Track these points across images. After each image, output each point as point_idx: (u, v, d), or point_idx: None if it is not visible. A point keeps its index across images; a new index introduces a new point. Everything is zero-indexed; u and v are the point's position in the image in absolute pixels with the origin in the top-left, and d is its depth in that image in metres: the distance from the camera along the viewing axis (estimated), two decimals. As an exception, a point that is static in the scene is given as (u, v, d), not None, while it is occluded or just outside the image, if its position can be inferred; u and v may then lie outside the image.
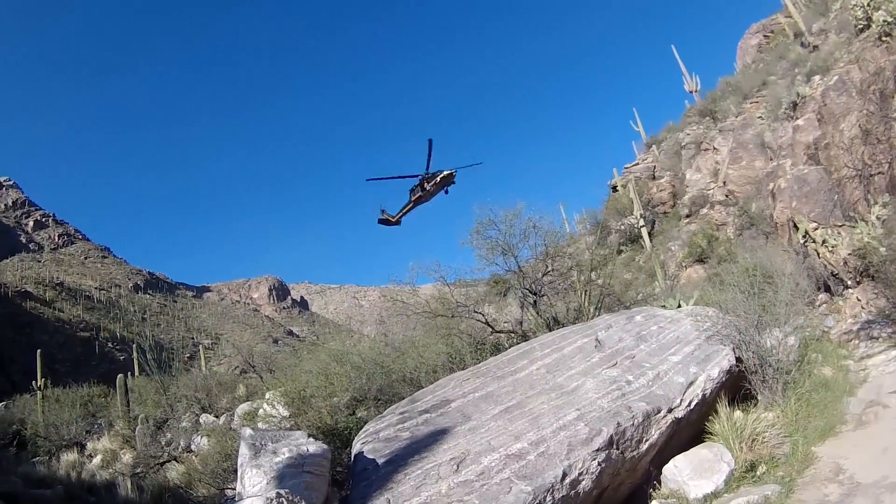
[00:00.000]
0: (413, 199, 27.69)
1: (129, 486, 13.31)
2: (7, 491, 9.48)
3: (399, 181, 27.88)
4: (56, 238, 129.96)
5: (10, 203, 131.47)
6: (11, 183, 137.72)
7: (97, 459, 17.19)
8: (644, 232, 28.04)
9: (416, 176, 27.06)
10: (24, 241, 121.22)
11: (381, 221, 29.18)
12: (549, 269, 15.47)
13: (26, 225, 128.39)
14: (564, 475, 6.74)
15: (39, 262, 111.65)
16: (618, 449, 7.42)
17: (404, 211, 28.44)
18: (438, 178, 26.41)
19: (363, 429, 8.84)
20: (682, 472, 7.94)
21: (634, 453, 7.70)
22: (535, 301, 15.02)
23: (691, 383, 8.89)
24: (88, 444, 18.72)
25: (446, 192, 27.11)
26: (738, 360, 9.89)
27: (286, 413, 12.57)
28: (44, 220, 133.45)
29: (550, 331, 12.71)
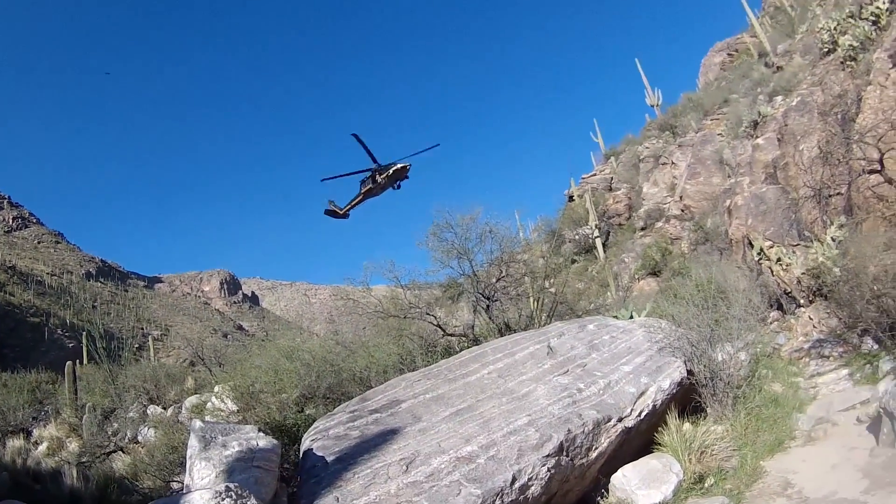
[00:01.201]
0: (363, 191, 26.78)
1: (75, 474, 13.03)
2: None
3: (356, 178, 27.12)
4: (10, 221, 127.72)
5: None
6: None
7: (43, 447, 16.90)
8: (598, 242, 28.52)
9: (370, 170, 26.13)
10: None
11: (329, 213, 28.28)
12: (503, 274, 15.56)
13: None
14: (514, 479, 6.74)
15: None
16: (567, 456, 7.45)
17: (353, 203, 27.54)
18: (391, 171, 25.49)
19: (313, 426, 8.79)
20: (630, 481, 7.99)
21: (584, 461, 7.74)
22: (487, 306, 15.11)
23: (642, 393, 8.95)
24: (35, 430, 18.47)
25: (397, 186, 26.29)
26: (690, 372, 9.97)
27: (234, 407, 12.45)
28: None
29: (502, 336, 12.84)
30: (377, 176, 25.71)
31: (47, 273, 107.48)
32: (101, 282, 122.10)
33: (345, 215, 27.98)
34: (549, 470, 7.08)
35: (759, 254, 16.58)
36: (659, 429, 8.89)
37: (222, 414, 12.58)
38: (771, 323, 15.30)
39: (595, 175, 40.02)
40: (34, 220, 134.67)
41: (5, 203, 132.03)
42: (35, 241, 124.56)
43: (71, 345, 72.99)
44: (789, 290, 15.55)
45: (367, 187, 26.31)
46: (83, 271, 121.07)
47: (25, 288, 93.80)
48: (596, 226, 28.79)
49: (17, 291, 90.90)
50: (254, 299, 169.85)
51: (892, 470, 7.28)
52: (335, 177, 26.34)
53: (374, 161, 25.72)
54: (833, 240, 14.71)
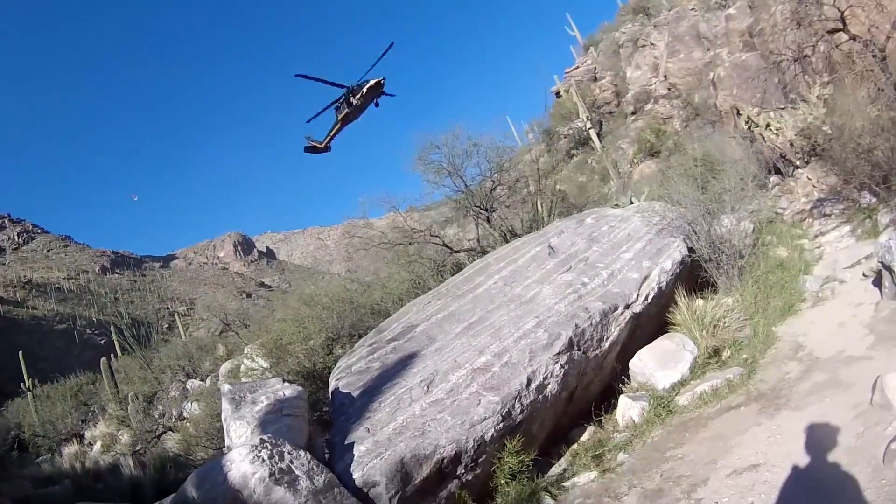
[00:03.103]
0: (340, 117, 24.65)
1: (132, 464, 13.49)
2: (18, 495, 9.64)
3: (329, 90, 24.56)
4: (16, 237, 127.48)
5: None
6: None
7: (97, 446, 17.43)
8: (592, 133, 28.10)
9: (345, 87, 23.99)
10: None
11: (309, 149, 26.47)
12: (497, 183, 15.81)
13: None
14: (529, 381, 7.03)
15: (3, 264, 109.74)
16: (579, 350, 7.72)
17: (332, 134, 25.59)
18: (365, 89, 23.42)
19: (336, 365, 9.09)
20: (647, 364, 8.31)
21: (597, 352, 8.01)
22: (488, 217, 15.45)
23: (646, 278, 9.17)
24: (86, 432, 19.02)
25: (377, 104, 24.31)
26: (691, 249, 10.16)
27: (266, 364, 12.77)
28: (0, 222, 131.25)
29: (508, 243, 12.97)
30: (352, 98, 24.00)
31: (63, 278, 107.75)
32: (117, 273, 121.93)
33: (326, 148, 26.49)
34: (562, 367, 7.37)
35: (747, 122, 16.55)
36: (670, 309, 9.12)
37: (256, 373, 12.89)
38: (772, 188, 15.31)
39: (578, 68, 39.21)
40: (39, 231, 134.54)
41: (7, 221, 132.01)
42: (45, 251, 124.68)
43: (102, 341, 73.54)
44: (784, 153, 15.52)
45: (344, 112, 24.63)
46: (98, 267, 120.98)
47: (46, 298, 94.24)
48: (587, 118, 28.18)
49: (39, 303, 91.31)
50: (269, 254, 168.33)
51: (894, 324, 7.47)
52: (311, 77, 23.67)
53: (339, 86, 24.08)
54: (819, 98, 14.67)
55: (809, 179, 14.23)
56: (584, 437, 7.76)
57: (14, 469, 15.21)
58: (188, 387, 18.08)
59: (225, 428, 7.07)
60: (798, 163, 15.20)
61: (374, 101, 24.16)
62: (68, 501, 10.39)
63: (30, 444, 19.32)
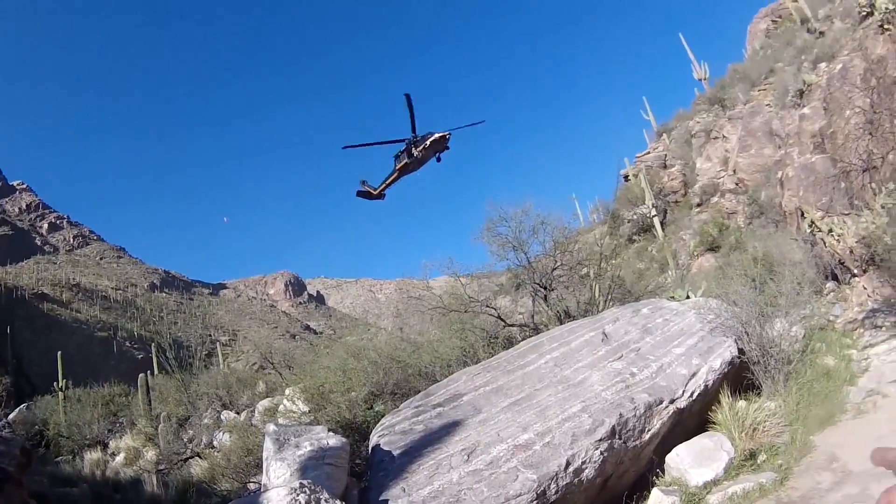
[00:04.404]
0: (398, 167, 23.73)
1: (155, 482, 13.68)
2: (36, 490, 9.82)
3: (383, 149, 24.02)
4: (71, 239, 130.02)
5: (25, 206, 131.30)
6: (25, 186, 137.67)
7: (120, 457, 17.57)
8: (656, 221, 28.12)
9: (402, 140, 23.05)
10: (39, 243, 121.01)
11: (361, 194, 25.35)
12: (559, 263, 15.79)
13: (41, 227, 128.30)
14: (568, 464, 7.12)
15: (55, 263, 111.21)
16: (620, 439, 7.78)
17: (388, 182, 24.61)
18: (428, 143, 22.28)
19: (380, 422, 9.24)
20: (683, 460, 8.29)
21: (637, 443, 8.05)
22: (545, 295, 15.39)
23: (693, 374, 9.18)
24: (111, 442, 19.15)
25: (438, 159, 23.08)
26: (741, 351, 10.14)
27: (306, 408, 12.95)
28: (58, 222, 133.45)
29: (561, 324, 13.05)
30: (413, 149, 22.88)
31: (112, 287, 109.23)
32: (165, 292, 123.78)
33: (379, 195, 25.45)
34: (602, 453, 7.44)
35: (811, 225, 16.45)
36: (712, 407, 9.11)
37: (294, 415, 13.07)
38: (827, 294, 15.21)
39: (649, 153, 39.04)
40: (95, 237, 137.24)
41: (65, 222, 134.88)
42: (97, 258, 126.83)
43: (140, 356, 74.82)
44: (843, 260, 15.40)
45: (403, 162, 23.56)
46: (147, 283, 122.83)
47: (91, 304, 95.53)
48: (653, 205, 28.21)
49: (84, 308, 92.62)
50: (319, 299, 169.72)
51: (937, 441, 7.41)
52: (359, 145, 22.91)
53: (414, 131, 22.99)
54: (882, 207, 14.60)
55: (865, 288, 14.12)
56: (611, 526, 7.77)
57: (35, 464, 15.47)
58: (222, 417, 18.17)
59: (264, 467, 7.25)
60: (856, 270, 15.08)
61: (437, 155, 23.26)
62: (84, 505, 10.59)
63: (52, 443, 19.69)
